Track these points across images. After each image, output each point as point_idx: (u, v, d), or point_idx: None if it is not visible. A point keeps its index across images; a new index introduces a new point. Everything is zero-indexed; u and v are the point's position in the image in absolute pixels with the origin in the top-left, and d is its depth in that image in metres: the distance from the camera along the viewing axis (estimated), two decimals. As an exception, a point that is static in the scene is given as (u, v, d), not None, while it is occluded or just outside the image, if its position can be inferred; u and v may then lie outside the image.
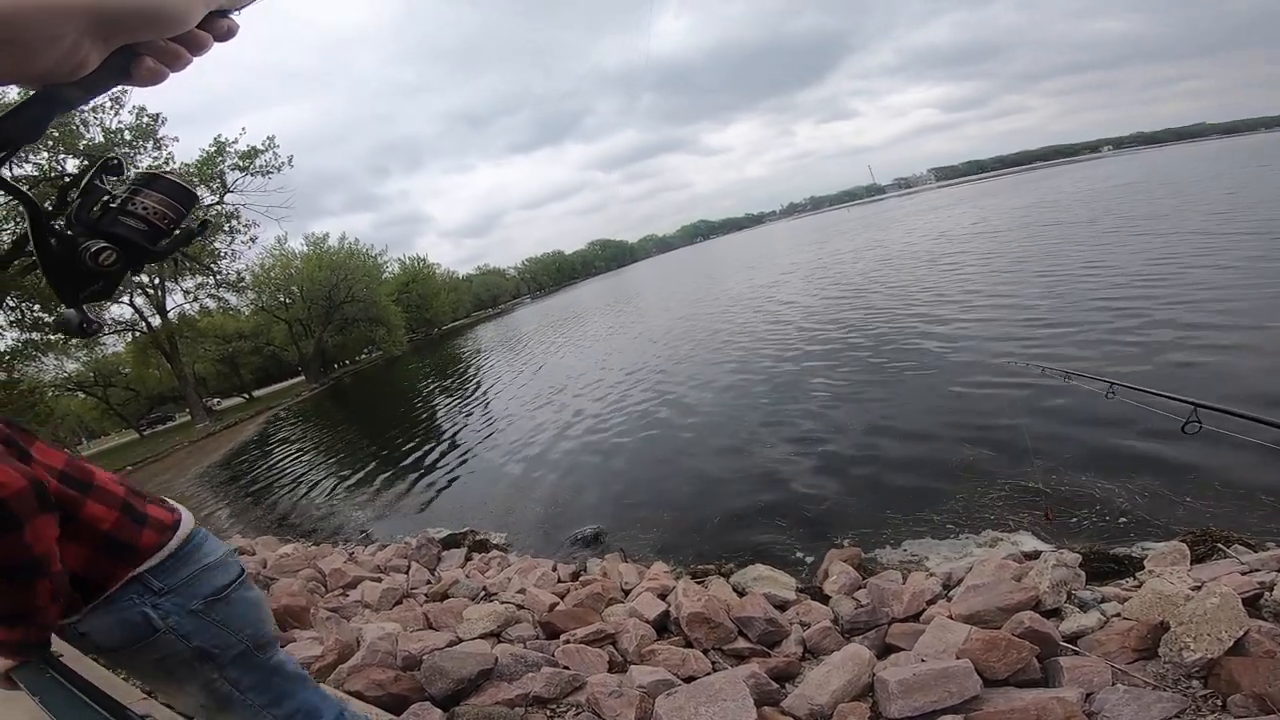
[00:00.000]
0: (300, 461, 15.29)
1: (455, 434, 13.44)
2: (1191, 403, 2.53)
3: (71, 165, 12.59)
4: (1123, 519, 4.18)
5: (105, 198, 0.63)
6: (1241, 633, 2.28)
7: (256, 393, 42.38)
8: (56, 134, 11.83)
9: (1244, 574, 2.79)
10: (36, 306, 13.85)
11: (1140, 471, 4.77)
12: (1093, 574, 3.51)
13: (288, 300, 40.31)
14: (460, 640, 3.58)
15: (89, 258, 0.59)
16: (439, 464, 11.10)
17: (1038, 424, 5.97)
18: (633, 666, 3.07)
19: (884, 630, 3.29)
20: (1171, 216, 17.69)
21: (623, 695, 2.66)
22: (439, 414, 16.92)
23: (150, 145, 13.54)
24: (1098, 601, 3.02)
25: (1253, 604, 2.51)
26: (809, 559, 4.81)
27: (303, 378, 42.37)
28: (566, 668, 3.08)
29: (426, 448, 12.74)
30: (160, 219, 0.65)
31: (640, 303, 35.65)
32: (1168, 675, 2.30)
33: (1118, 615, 2.77)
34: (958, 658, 2.55)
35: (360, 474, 12.10)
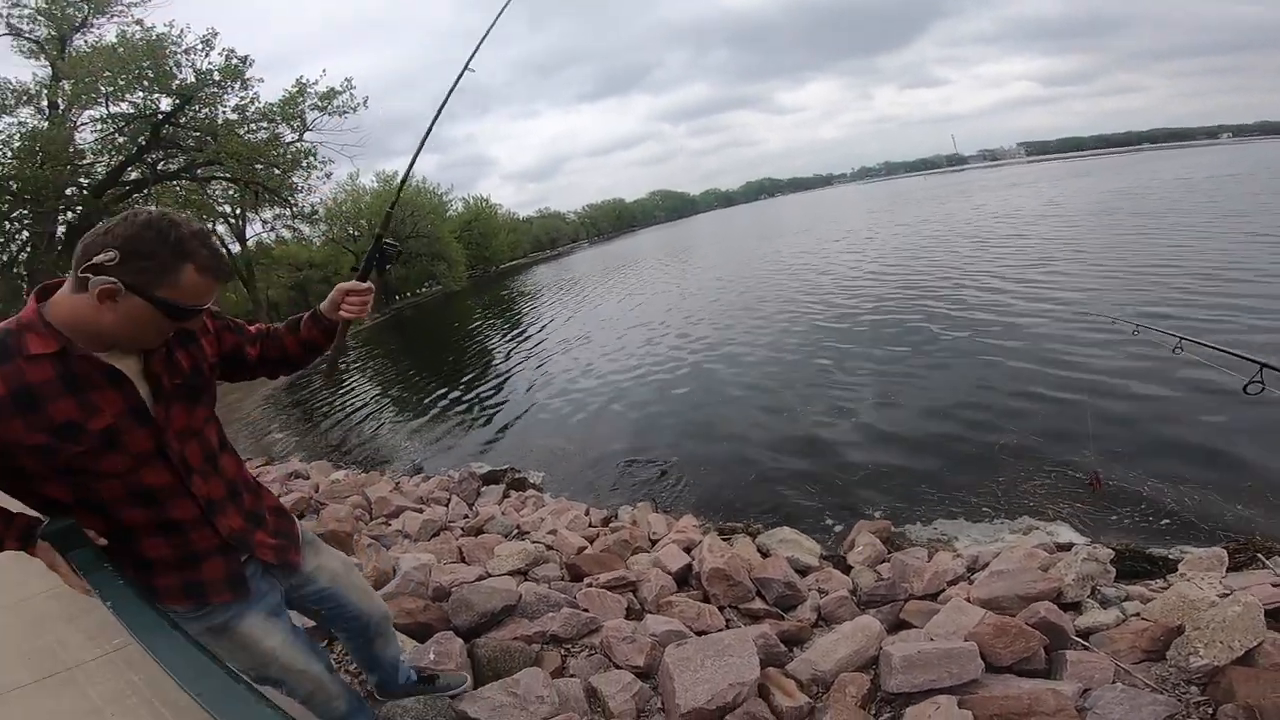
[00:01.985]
0: (358, 389, 15.93)
1: (505, 372, 13.81)
2: (1259, 362, 2.46)
3: (165, 104, 13.47)
4: (1165, 519, 4.07)
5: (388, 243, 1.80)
6: (1255, 643, 2.24)
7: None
8: (152, 74, 12.58)
9: (1276, 585, 2.69)
10: None
11: (1195, 464, 4.62)
12: (1125, 572, 3.45)
13: (356, 233, 41.86)
14: (489, 575, 3.75)
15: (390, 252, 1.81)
16: (487, 400, 11.46)
17: (1097, 398, 5.79)
18: (649, 615, 3.19)
19: (900, 606, 3.32)
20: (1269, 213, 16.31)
21: (635, 642, 2.77)
22: (491, 351, 17.37)
23: (238, 85, 14.25)
24: (1121, 599, 2.98)
25: (1277, 617, 2.44)
26: (838, 527, 4.84)
27: (366, 308, 43.96)
28: (586, 610, 3.21)
29: (477, 383, 13.14)
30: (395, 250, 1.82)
31: (695, 256, 35.38)
32: (1169, 679, 2.28)
33: (1137, 615, 2.73)
34: (966, 640, 2.57)
35: (413, 405, 12.60)
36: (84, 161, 13.07)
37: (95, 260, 1.11)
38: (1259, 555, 3.22)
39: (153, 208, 1.21)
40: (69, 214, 13.33)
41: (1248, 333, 6.97)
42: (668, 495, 5.94)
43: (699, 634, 2.96)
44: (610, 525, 5.10)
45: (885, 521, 4.56)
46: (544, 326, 19.59)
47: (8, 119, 12.44)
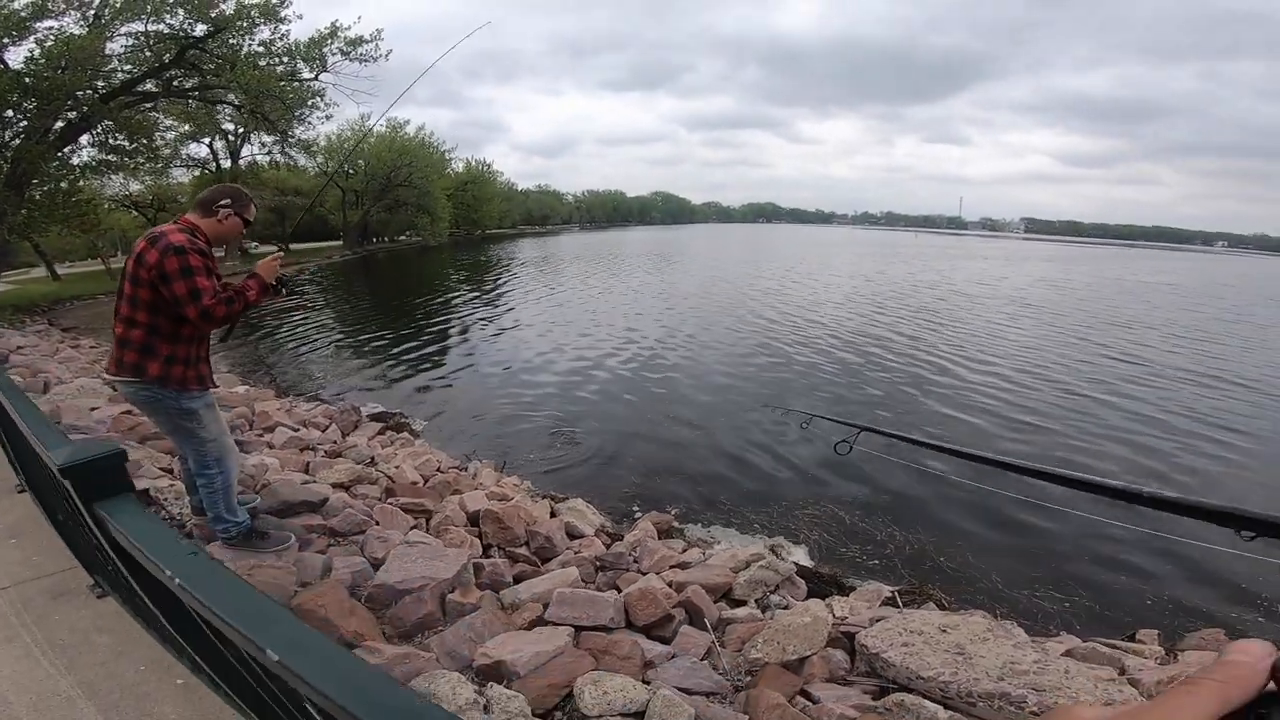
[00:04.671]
0: (303, 316, 16.47)
1: (443, 330, 14.76)
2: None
3: (199, 29, 14.41)
4: (877, 560, 4.95)
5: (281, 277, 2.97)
6: (809, 653, 2.91)
7: (294, 246, 43.75)
8: (195, 1, 13.41)
9: (874, 620, 3.37)
10: (121, 135, 15.84)
11: (937, 529, 5.51)
12: (816, 591, 4.26)
13: (350, 170, 42.16)
14: (314, 482, 4.46)
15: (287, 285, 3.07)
16: (413, 351, 12.30)
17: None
18: (415, 531, 3.94)
19: (620, 573, 4.09)
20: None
21: (386, 542, 3.54)
22: (441, 309, 18.17)
23: (270, 23, 15.10)
24: (780, 606, 3.78)
25: (850, 639, 3.13)
26: (638, 515, 5.61)
27: (340, 243, 43.85)
28: (375, 521, 3.94)
29: (412, 334, 14.01)
30: (286, 282, 3.03)
31: (678, 264, 36.55)
32: (740, 666, 2.96)
33: (771, 617, 3.48)
34: (623, 599, 3.34)
35: (347, 341, 13.37)
36: (105, 68, 13.76)
37: (221, 202, 2.75)
38: (897, 596, 4.04)
39: (233, 184, 2.99)
40: (72, 113, 14.03)
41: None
42: (516, 459, 6.75)
43: (450, 555, 3.70)
44: (449, 471, 5.82)
45: (669, 516, 5.36)
46: (500, 297, 20.51)
47: (51, 22, 13.02)
